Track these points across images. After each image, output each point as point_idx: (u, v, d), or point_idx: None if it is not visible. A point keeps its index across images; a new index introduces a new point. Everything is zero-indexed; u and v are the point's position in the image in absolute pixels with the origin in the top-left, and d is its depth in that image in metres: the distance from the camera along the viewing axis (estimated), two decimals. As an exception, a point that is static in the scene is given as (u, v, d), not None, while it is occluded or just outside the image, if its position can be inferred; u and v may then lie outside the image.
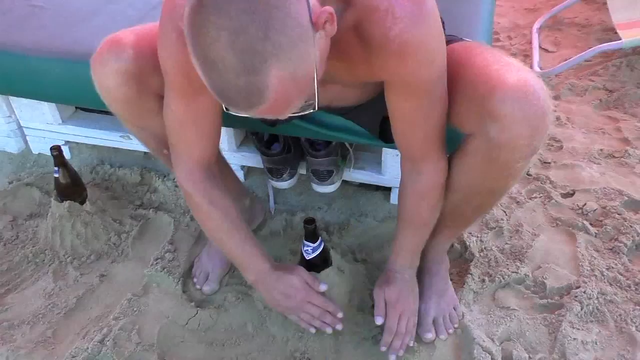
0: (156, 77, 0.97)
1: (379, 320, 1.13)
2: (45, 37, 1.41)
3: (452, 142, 1.03)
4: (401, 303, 1.13)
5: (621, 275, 1.30)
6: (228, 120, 1.12)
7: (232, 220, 1.10)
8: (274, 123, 1.22)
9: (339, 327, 1.13)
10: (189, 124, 1.00)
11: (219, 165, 1.24)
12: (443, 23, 1.19)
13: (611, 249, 1.37)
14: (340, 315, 1.13)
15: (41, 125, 1.63)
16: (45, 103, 1.56)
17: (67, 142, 1.66)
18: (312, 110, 0.79)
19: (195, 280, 1.31)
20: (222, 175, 1.27)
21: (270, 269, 1.11)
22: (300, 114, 0.79)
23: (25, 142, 1.71)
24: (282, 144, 1.34)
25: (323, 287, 1.12)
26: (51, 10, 1.52)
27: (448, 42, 1.02)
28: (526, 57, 2.16)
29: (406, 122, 0.97)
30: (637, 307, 1.23)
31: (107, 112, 1.55)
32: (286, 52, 0.66)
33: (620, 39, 1.92)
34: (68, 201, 1.39)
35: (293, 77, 0.69)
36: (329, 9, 0.71)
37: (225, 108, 0.74)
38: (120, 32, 1.02)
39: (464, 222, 1.17)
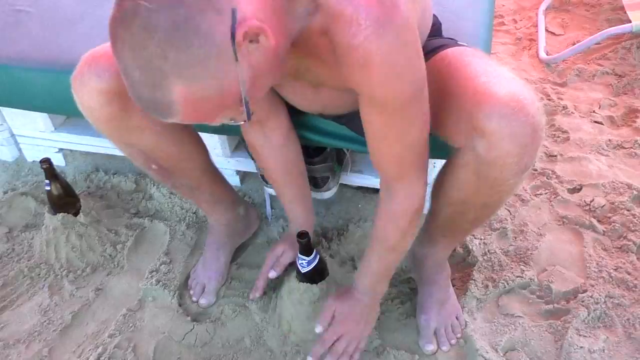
0: None
1: (318, 329, 1.10)
2: (30, 46, 1.37)
3: (442, 150, 0.98)
4: (347, 325, 1.10)
5: (629, 274, 1.26)
6: (221, 128, 1.08)
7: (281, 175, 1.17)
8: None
9: None
10: None
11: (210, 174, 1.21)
12: (440, 25, 1.15)
13: (620, 248, 1.33)
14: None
15: (34, 133, 1.61)
16: (36, 112, 1.53)
17: (60, 150, 1.63)
18: (242, 122, 0.75)
19: (191, 292, 1.29)
20: (214, 182, 1.24)
21: None
22: (233, 124, 0.76)
23: (19, 150, 1.68)
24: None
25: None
26: (36, 16, 1.48)
27: (441, 46, 0.97)
28: (532, 41, 2.08)
29: (378, 139, 0.90)
30: (647, 311, 1.19)
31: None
32: (189, 69, 0.64)
33: (629, 21, 1.85)
34: (61, 213, 1.36)
35: (202, 94, 0.67)
36: (253, 23, 0.65)
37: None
38: (99, 48, 0.97)
39: (460, 234, 1.13)
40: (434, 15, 1.13)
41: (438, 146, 0.96)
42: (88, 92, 0.94)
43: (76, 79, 0.95)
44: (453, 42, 1.00)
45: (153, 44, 0.62)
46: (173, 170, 1.11)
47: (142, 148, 1.06)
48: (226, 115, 0.74)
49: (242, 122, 0.75)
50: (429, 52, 0.95)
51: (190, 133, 1.13)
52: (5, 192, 1.60)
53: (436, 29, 1.11)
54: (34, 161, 1.67)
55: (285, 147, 1.16)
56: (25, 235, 1.47)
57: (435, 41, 1.00)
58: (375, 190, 1.44)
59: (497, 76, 0.83)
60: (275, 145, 1.14)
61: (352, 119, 1.09)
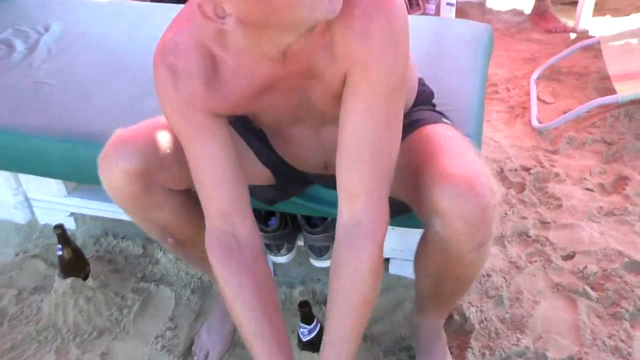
0: (163, 172, 0.99)
1: None
2: (49, 117, 1.45)
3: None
4: None
5: (623, 342, 1.29)
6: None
7: (245, 303, 0.97)
8: (272, 201, 1.24)
9: None
10: (200, 174, 0.95)
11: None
12: (432, 94, 1.23)
13: (613, 315, 1.36)
14: None
15: (47, 197, 1.67)
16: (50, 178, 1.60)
17: (72, 214, 1.69)
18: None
19: (195, 358, 1.32)
20: None
21: None
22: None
23: (32, 212, 1.75)
24: (279, 219, 1.36)
25: None
26: (56, 88, 1.57)
27: (422, 120, 1.04)
28: (524, 109, 2.18)
29: (354, 139, 0.87)
30: (640, 381, 1.21)
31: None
32: None
33: (615, 92, 1.94)
34: (71, 277, 1.42)
35: None
36: None
37: None
38: (124, 130, 1.04)
39: (446, 304, 1.17)
40: (426, 84, 1.22)
41: (415, 215, 1.00)
42: (114, 173, 0.99)
43: (103, 160, 1.01)
44: (435, 117, 1.07)
45: None
46: (187, 243, 1.15)
47: (160, 223, 1.11)
48: None
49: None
50: (410, 124, 1.02)
51: None
52: (16, 255, 1.65)
53: (425, 97, 1.18)
54: (45, 224, 1.73)
55: (256, 261, 1.00)
56: (35, 297, 1.51)
57: (419, 112, 1.07)
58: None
59: (457, 158, 0.90)
60: (245, 258, 0.98)
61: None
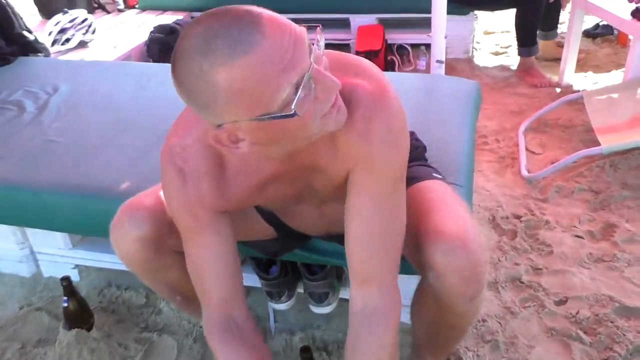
0: (173, 236, 1.03)
1: None
2: (57, 173, 1.52)
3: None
4: None
5: (617, 388, 1.32)
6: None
7: None
8: (275, 253, 1.29)
9: None
10: (203, 265, 0.99)
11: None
12: (425, 148, 1.31)
13: (606, 359, 1.39)
14: None
15: (53, 250, 1.72)
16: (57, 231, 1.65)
17: (76, 266, 1.73)
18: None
19: (198, 408, 1.34)
20: None
21: None
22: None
23: (37, 265, 1.79)
24: (279, 268, 1.40)
25: None
26: (64, 145, 1.65)
27: (417, 178, 1.11)
28: (514, 159, 2.26)
29: (365, 230, 0.92)
30: None
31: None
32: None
33: (599, 143, 2.04)
34: (75, 329, 1.45)
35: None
36: None
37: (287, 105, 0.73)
38: (137, 197, 1.10)
39: (442, 350, 1.21)
40: (419, 140, 1.29)
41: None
42: (126, 239, 1.06)
43: (115, 227, 1.07)
44: (427, 174, 1.14)
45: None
46: (195, 300, 1.19)
47: (169, 283, 1.17)
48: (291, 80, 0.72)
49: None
50: (408, 181, 1.08)
51: None
52: (21, 308, 1.68)
53: (419, 153, 1.26)
54: (50, 277, 1.77)
55: (256, 340, 1.03)
56: (38, 350, 1.53)
57: (413, 170, 1.13)
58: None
59: (448, 215, 0.96)
60: (245, 337, 1.01)
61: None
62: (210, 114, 0.76)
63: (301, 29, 0.74)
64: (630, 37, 2.32)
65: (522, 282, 1.64)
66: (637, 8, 2.25)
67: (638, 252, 1.72)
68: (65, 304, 1.44)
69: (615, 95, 2.33)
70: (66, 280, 1.43)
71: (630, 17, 2.26)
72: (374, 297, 0.95)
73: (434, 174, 1.16)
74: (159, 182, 1.10)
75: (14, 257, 1.76)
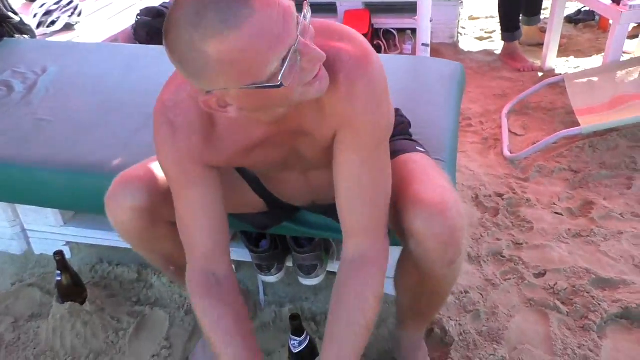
0: (167, 207, 1.06)
1: None
2: (49, 150, 1.54)
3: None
4: None
5: (591, 352, 1.38)
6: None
7: (225, 331, 1.03)
8: (265, 226, 1.33)
9: None
10: (189, 217, 1.03)
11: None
12: (409, 124, 1.35)
13: (582, 327, 1.46)
14: None
15: (44, 228, 1.74)
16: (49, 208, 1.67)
17: (68, 243, 1.76)
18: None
19: (190, 375, 1.38)
20: None
21: None
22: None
23: (28, 243, 1.81)
24: (269, 242, 1.44)
25: None
26: (55, 124, 1.67)
27: (400, 151, 1.15)
28: (497, 141, 2.32)
29: (352, 185, 0.96)
30: (608, 385, 1.30)
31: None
32: None
33: (579, 124, 2.10)
34: (69, 302, 1.47)
35: None
36: None
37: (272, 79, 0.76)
38: (130, 169, 1.13)
39: (424, 316, 1.26)
40: (404, 116, 1.34)
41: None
42: (121, 209, 1.09)
43: (110, 199, 1.10)
44: (411, 147, 1.18)
45: None
46: None
47: (164, 253, 1.20)
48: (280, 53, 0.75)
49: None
50: (392, 153, 1.12)
51: None
52: (13, 284, 1.70)
53: (403, 128, 1.30)
54: (41, 254, 1.79)
55: (234, 296, 1.07)
56: (32, 324, 1.56)
57: (397, 143, 1.18)
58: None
59: (429, 184, 1.01)
60: (223, 292, 1.05)
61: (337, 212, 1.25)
62: (200, 81, 0.79)
63: (289, 3, 0.77)
64: (611, 21, 2.38)
65: (504, 257, 1.70)
66: (616, -7, 2.30)
67: (614, 228, 1.79)
68: (59, 278, 1.47)
69: (595, 79, 2.38)
70: (59, 254, 1.45)
71: (610, 2, 2.32)
72: (364, 246, 1.00)
73: (417, 147, 1.20)
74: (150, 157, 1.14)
75: (5, 235, 1.79)
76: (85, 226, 1.71)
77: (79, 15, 2.95)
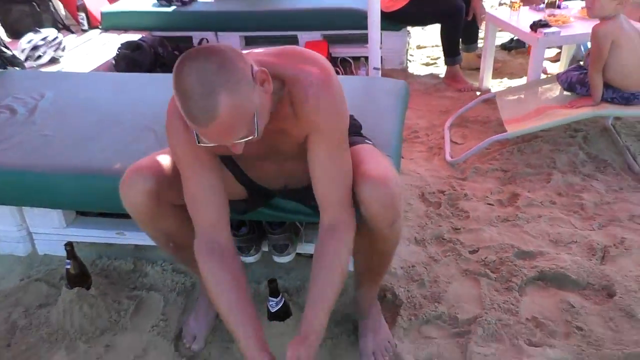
0: (171, 191, 1.34)
1: None
2: (58, 158, 1.80)
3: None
4: None
5: (513, 305, 1.71)
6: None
7: (226, 289, 1.27)
8: (244, 211, 1.62)
9: None
10: (198, 193, 1.28)
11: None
12: (360, 126, 1.68)
13: (507, 288, 1.79)
14: None
15: (48, 230, 1.99)
16: (54, 211, 1.93)
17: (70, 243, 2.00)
18: (252, 137, 1.11)
19: (185, 340, 1.64)
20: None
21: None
22: (243, 140, 1.11)
23: (33, 245, 2.05)
24: (248, 227, 1.74)
25: None
26: (59, 138, 1.93)
27: (354, 144, 1.48)
28: (440, 149, 2.68)
29: (324, 171, 1.26)
30: (524, 326, 1.63)
31: (105, 215, 1.95)
32: (232, 85, 1.04)
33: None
34: (77, 287, 1.72)
35: (237, 107, 1.05)
36: (264, 69, 1.11)
37: (197, 139, 1.11)
38: (139, 161, 1.40)
39: (376, 275, 1.55)
40: (355, 119, 1.66)
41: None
42: (134, 193, 1.34)
43: (124, 184, 1.35)
44: (361, 140, 1.51)
45: (211, 68, 1.03)
46: (185, 247, 1.45)
47: (166, 231, 1.46)
48: (244, 132, 1.09)
49: (252, 137, 1.11)
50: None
51: None
52: (21, 280, 1.93)
53: (356, 128, 1.62)
54: (45, 254, 2.03)
55: (234, 260, 1.32)
56: (42, 311, 1.79)
57: (351, 138, 1.47)
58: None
59: (374, 164, 1.32)
60: (226, 258, 1.30)
61: (306, 197, 1.55)
62: None
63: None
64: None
65: (444, 239, 2.03)
66: (534, 22, 2.73)
67: (535, 213, 2.15)
68: (68, 266, 1.72)
69: (521, 95, 2.79)
70: (69, 245, 1.71)
71: (529, 30, 2.75)
72: (336, 214, 1.29)
73: (366, 141, 1.53)
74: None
75: (13, 238, 2.02)
76: (86, 226, 1.97)
77: (63, 50, 3.24)
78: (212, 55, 1.05)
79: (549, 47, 3.00)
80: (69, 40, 3.57)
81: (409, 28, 3.68)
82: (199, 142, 1.12)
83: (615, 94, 2.38)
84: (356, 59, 3.59)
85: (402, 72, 3.60)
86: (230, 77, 1.04)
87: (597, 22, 2.34)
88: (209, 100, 1.03)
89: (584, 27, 2.70)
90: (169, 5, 3.78)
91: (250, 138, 1.12)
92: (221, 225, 1.33)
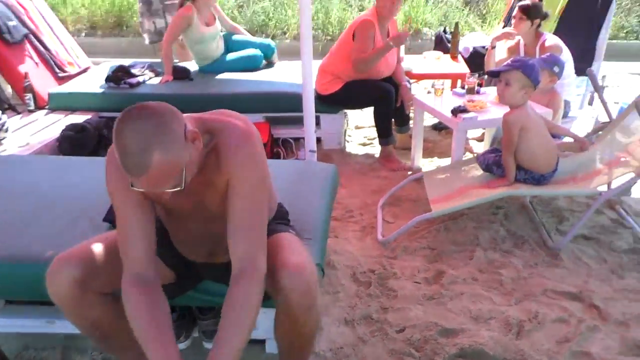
0: (99, 279, 1.41)
1: None
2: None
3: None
4: None
5: (435, 384, 1.79)
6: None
7: (150, 319, 1.33)
8: (173, 296, 1.67)
9: None
10: (127, 230, 1.38)
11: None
12: (287, 212, 1.79)
13: (430, 367, 1.87)
14: None
15: (-25, 320, 1.96)
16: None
17: (-4, 333, 1.98)
18: (179, 188, 1.25)
19: None
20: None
21: None
22: (171, 190, 1.24)
23: (-43, 337, 2.00)
24: (178, 313, 1.78)
25: None
26: (-9, 226, 1.95)
27: (277, 231, 1.58)
28: (372, 228, 2.82)
29: (238, 220, 1.36)
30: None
31: (34, 302, 1.95)
32: (167, 146, 1.18)
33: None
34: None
35: (167, 163, 1.19)
36: (195, 130, 1.27)
37: (131, 183, 1.22)
38: (68, 251, 1.46)
39: (302, 356, 1.62)
40: (283, 207, 1.77)
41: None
42: (61, 282, 1.40)
43: (51, 273, 1.41)
44: (285, 229, 1.62)
45: (148, 129, 1.17)
46: (112, 336, 1.51)
47: (91, 319, 1.49)
48: (172, 183, 1.23)
49: (179, 187, 1.24)
50: (269, 232, 1.51)
51: None
52: (-58, 373, 1.88)
53: (283, 214, 1.73)
54: (-30, 345, 1.98)
55: (159, 294, 1.40)
56: (-38, 406, 1.75)
57: (275, 225, 1.61)
58: (252, 341, 1.92)
59: (292, 253, 1.44)
60: (151, 292, 1.38)
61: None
62: None
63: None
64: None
65: (373, 319, 2.12)
66: (454, 107, 2.98)
67: (458, 290, 2.27)
68: (-8, 359, 1.70)
69: (447, 174, 2.99)
70: (-6, 337, 1.70)
71: (451, 115, 2.99)
72: (244, 263, 1.36)
73: (289, 230, 1.64)
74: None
75: (-64, 329, 1.97)
76: (14, 316, 1.95)
77: (6, 131, 3.26)
78: (152, 118, 1.19)
79: (469, 129, 3.24)
80: (13, 121, 3.59)
81: (345, 110, 3.90)
82: (132, 186, 1.24)
83: (527, 175, 2.61)
84: (297, 139, 3.77)
85: (340, 152, 3.78)
86: (164, 138, 1.19)
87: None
88: (143, 157, 1.17)
89: (499, 112, 2.93)
90: (117, 87, 3.89)
91: (177, 189, 1.25)
92: (148, 260, 1.40)
